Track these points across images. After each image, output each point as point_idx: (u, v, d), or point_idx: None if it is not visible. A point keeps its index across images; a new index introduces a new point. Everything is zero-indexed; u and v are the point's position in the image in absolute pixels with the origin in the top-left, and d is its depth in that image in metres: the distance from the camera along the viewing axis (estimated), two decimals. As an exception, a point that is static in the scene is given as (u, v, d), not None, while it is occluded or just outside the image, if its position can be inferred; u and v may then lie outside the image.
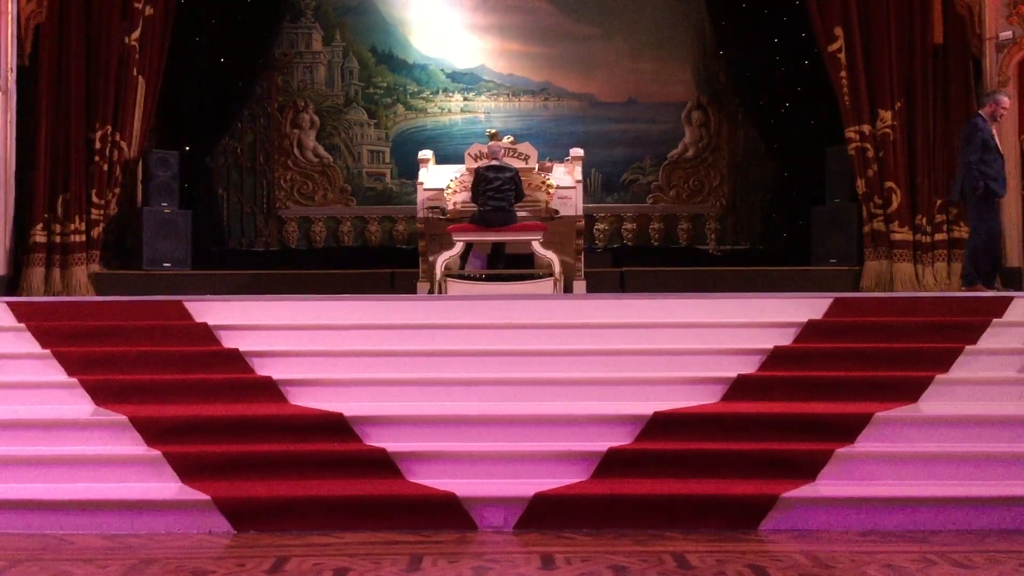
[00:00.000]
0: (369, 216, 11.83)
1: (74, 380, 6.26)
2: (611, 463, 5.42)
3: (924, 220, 9.77)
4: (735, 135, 11.84)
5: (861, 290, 9.40)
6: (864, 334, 6.78)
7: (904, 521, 5.01)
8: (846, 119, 9.95)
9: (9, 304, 7.22)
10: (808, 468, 5.35)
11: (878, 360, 6.43)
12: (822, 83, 10.27)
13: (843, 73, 9.89)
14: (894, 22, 9.89)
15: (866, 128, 9.85)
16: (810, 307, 7.06)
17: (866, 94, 9.88)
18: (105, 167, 10.00)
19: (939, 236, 9.75)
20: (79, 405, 6.09)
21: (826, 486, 5.26)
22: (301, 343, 6.76)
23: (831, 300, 7.17)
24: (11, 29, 9.54)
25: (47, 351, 6.57)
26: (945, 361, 6.36)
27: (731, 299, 7.34)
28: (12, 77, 9.59)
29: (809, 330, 6.81)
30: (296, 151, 11.90)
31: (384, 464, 5.44)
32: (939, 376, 6.17)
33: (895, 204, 9.80)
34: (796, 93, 11.06)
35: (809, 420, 5.71)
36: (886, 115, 9.82)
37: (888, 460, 5.45)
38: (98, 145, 9.95)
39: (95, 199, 9.94)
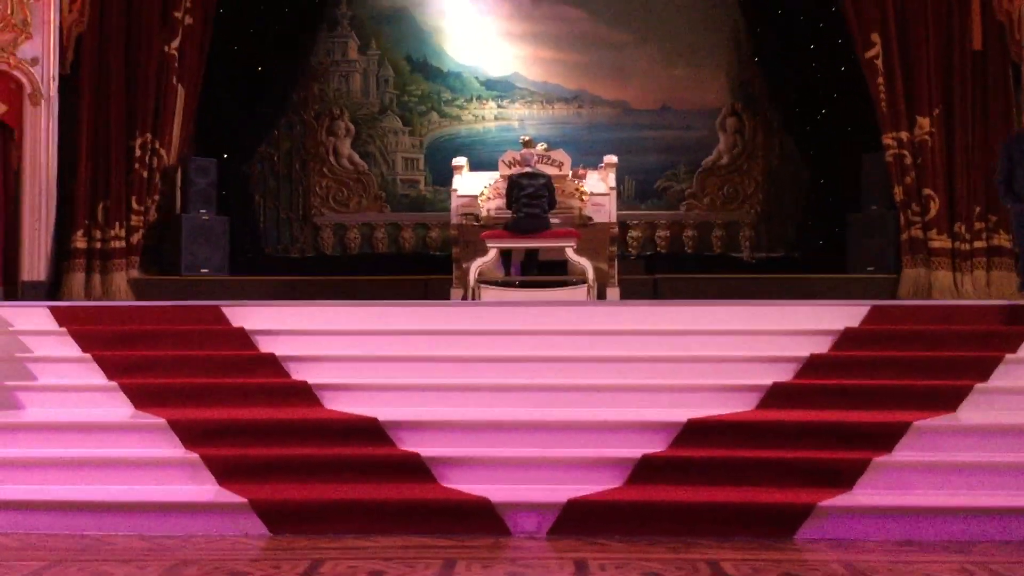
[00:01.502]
0: (403, 223, 11.89)
1: (114, 384, 6.35)
2: (645, 470, 5.40)
3: (963, 228, 9.66)
4: (770, 142, 11.77)
5: (898, 298, 9.31)
6: (902, 342, 6.72)
7: (943, 531, 4.95)
8: (883, 125, 9.86)
9: (51, 309, 7.34)
10: (845, 477, 5.30)
11: (916, 368, 6.37)
12: (859, 89, 10.19)
13: (880, 79, 9.81)
14: (932, 28, 9.79)
15: (904, 135, 9.76)
16: (847, 315, 7.00)
17: (904, 100, 9.79)
18: (145, 174, 10.14)
19: (978, 244, 9.63)
20: (118, 408, 6.18)
21: (864, 495, 5.21)
22: (336, 348, 6.81)
23: (868, 308, 7.10)
24: (53, 38, 9.72)
25: (87, 355, 6.67)
26: (984, 370, 6.28)
27: (766, 306, 7.30)
28: (54, 86, 9.77)
29: (846, 338, 6.75)
30: (331, 158, 12.00)
31: (418, 469, 5.46)
32: (978, 385, 6.09)
33: (933, 211, 9.69)
34: (832, 100, 10.98)
35: (846, 428, 5.66)
36: (924, 122, 9.72)
37: (927, 469, 5.38)
38: (138, 152, 10.10)
39: (135, 206, 10.08)
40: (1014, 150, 7.31)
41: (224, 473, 5.42)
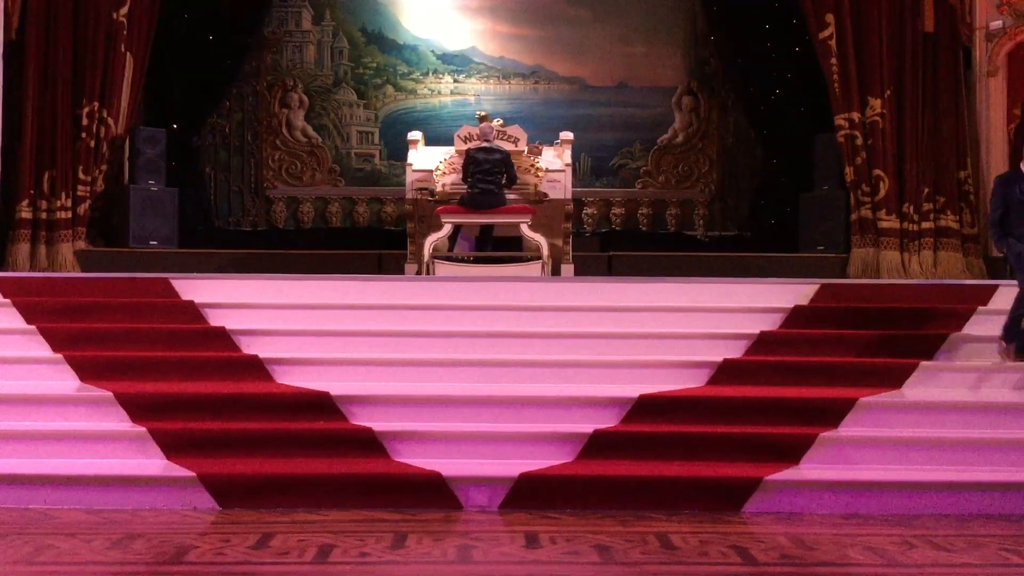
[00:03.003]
0: (357, 197, 11.77)
1: (59, 356, 6.24)
2: (596, 445, 5.45)
3: (911, 208, 9.79)
4: (725, 121, 11.83)
5: (848, 277, 9.44)
6: (850, 320, 6.83)
7: (886, 505, 5.06)
8: (836, 106, 9.94)
9: (-6, 279, 7.18)
10: (792, 452, 5.39)
11: (863, 346, 6.48)
12: (812, 70, 10.26)
13: (833, 60, 9.89)
14: (885, 10, 9.87)
15: (855, 116, 9.85)
16: (796, 293, 7.10)
17: (856, 81, 9.87)
18: (92, 144, 9.92)
19: (926, 224, 9.77)
20: (64, 381, 6.08)
21: (809, 469, 5.30)
22: (288, 322, 6.76)
23: (818, 286, 7.21)
24: (-2, 2, 9.44)
25: (32, 327, 6.56)
26: (930, 348, 6.41)
27: (718, 284, 7.37)
28: (-1, 51, 9.50)
29: (795, 316, 6.85)
30: (284, 131, 11.83)
31: (370, 443, 5.45)
32: (923, 363, 6.22)
33: (883, 192, 9.81)
34: (786, 80, 11.04)
35: (794, 404, 5.75)
36: (876, 103, 9.82)
37: (871, 445, 5.50)
38: (85, 121, 9.86)
39: (82, 176, 9.85)
40: (1008, 192, 6.55)
41: (172, 447, 5.37)
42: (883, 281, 8.94)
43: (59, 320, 6.68)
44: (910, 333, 6.62)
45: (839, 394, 5.82)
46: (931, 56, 9.88)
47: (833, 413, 5.65)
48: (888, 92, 9.83)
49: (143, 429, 5.45)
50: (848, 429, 5.60)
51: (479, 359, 6.36)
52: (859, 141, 9.84)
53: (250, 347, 6.44)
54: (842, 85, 9.88)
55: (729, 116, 11.78)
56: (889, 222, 9.77)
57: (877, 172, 9.81)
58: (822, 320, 6.83)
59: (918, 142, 9.86)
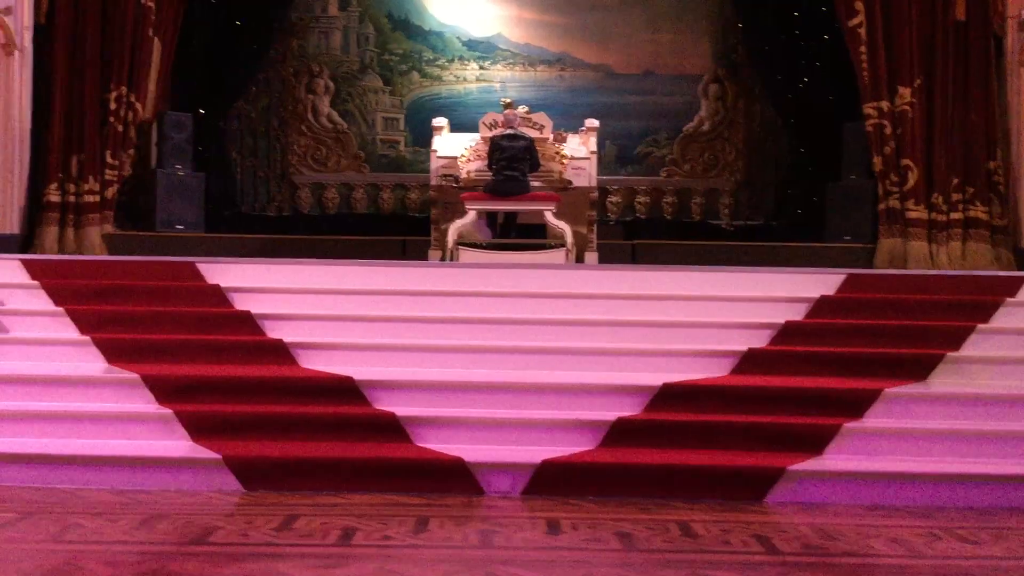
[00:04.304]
0: (382, 183, 11.81)
1: (87, 338, 6.31)
2: (619, 432, 5.44)
3: (940, 199, 9.69)
4: (752, 109, 11.75)
5: (874, 267, 9.36)
6: (876, 311, 6.78)
7: (911, 496, 5.02)
8: (864, 95, 9.85)
9: (23, 262, 7.27)
10: (816, 442, 5.36)
11: (889, 337, 6.43)
12: (841, 58, 10.16)
13: (863, 48, 9.78)
14: (916, -3, 9.76)
15: (884, 104, 9.75)
16: (823, 283, 7.05)
17: (885, 70, 9.77)
18: (120, 128, 9.99)
19: (955, 215, 9.67)
20: (92, 363, 6.15)
21: (833, 460, 5.27)
22: (312, 307, 6.79)
23: (844, 276, 7.15)
24: (28, -13, 9.51)
25: (60, 309, 6.62)
26: (956, 339, 6.35)
27: (743, 273, 7.33)
28: (28, 36, 9.57)
29: (821, 306, 6.80)
30: (310, 117, 11.87)
31: (393, 428, 5.47)
32: (950, 354, 6.17)
33: (911, 182, 9.71)
34: (814, 68, 10.95)
35: (818, 395, 5.72)
36: (905, 92, 9.71)
37: (896, 436, 5.46)
38: (113, 106, 9.93)
39: (109, 160, 9.93)
40: None
41: (198, 429, 5.41)
42: (910, 272, 8.85)
43: (87, 303, 6.74)
44: (937, 324, 6.56)
45: (864, 385, 5.78)
46: (962, 45, 9.75)
47: (858, 404, 5.61)
48: (918, 81, 9.72)
49: (169, 411, 5.50)
50: (873, 420, 5.56)
51: (502, 346, 6.37)
52: (888, 130, 9.74)
53: (275, 331, 6.47)
54: (871, 73, 9.78)
55: (756, 104, 11.70)
56: (917, 212, 9.67)
57: (906, 161, 9.71)
58: (848, 310, 6.78)
59: (948, 132, 9.75)
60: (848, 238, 9.95)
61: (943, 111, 9.74)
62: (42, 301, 6.79)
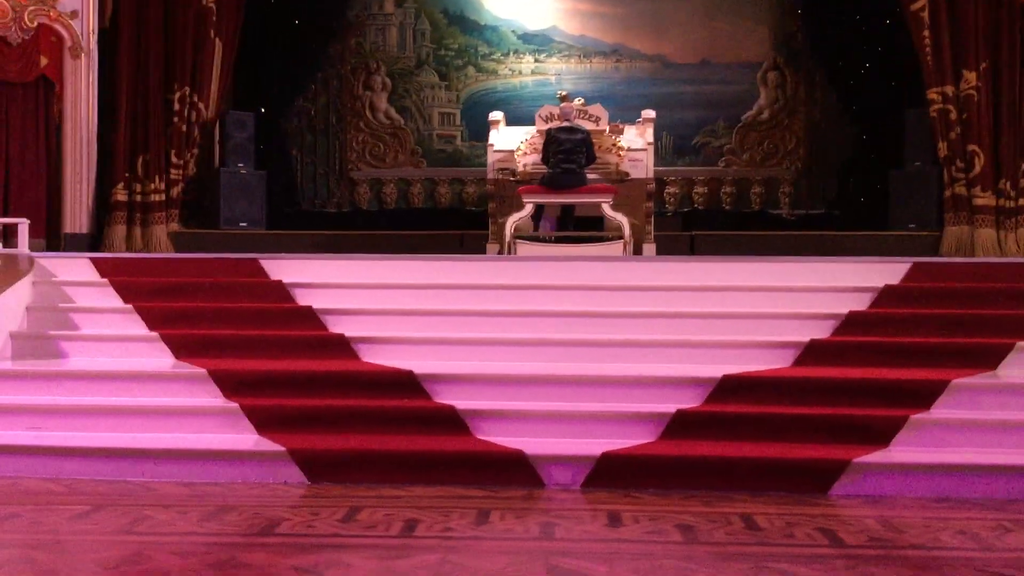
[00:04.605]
0: (439, 178, 11.88)
1: (155, 334, 6.46)
2: (679, 425, 5.41)
3: (1008, 185, 9.47)
4: (812, 97, 11.58)
5: (940, 256, 9.17)
6: (943, 300, 6.64)
7: (980, 489, 4.91)
8: (928, 80, 9.65)
9: (93, 260, 7.46)
10: (881, 434, 5.27)
11: (956, 326, 6.30)
12: (904, 43, 9.96)
13: (926, 32, 9.58)
14: (981, -21, 9.53)
15: (949, 89, 9.54)
16: (887, 272, 6.93)
17: (949, 54, 9.56)
18: (183, 128, 10.20)
19: (1023, 201, 9.44)
20: (160, 358, 6.29)
21: (900, 452, 5.18)
22: (372, 302, 6.86)
23: (909, 265, 7.02)
24: (93, -8, 9.75)
25: (129, 306, 6.79)
26: (1027, 328, 6.20)
27: (805, 263, 7.23)
28: (93, 39, 9.82)
29: (886, 295, 6.68)
30: (368, 113, 11.99)
31: (453, 421, 5.50)
32: (1020, 343, 6.02)
33: (978, 168, 9.50)
34: (876, 53, 10.76)
35: (883, 386, 5.62)
36: (970, 76, 9.50)
37: (965, 427, 5.34)
38: (177, 106, 10.15)
39: (174, 159, 10.15)
40: None
41: (263, 423, 5.51)
42: (977, 260, 8.66)
43: (154, 299, 6.90)
44: (1006, 313, 6.40)
45: (931, 375, 5.67)
46: (1029, 27, 9.50)
47: (925, 394, 5.51)
48: (983, 65, 9.50)
49: (235, 405, 5.60)
50: (941, 411, 5.45)
51: (561, 339, 6.37)
52: (953, 115, 9.53)
53: (336, 326, 6.56)
54: (935, 58, 9.57)
55: (816, 92, 11.54)
56: (984, 199, 9.46)
57: (972, 147, 9.50)
58: (914, 299, 6.65)
59: (1015, 116, 9.52)
60: (913, 226, 9.77)
61: (1010, 95, 9.51)
62: (111, 299, 6.97)
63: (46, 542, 3.99)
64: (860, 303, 6.61)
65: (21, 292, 6.95)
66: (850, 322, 6.39)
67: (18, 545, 3.95)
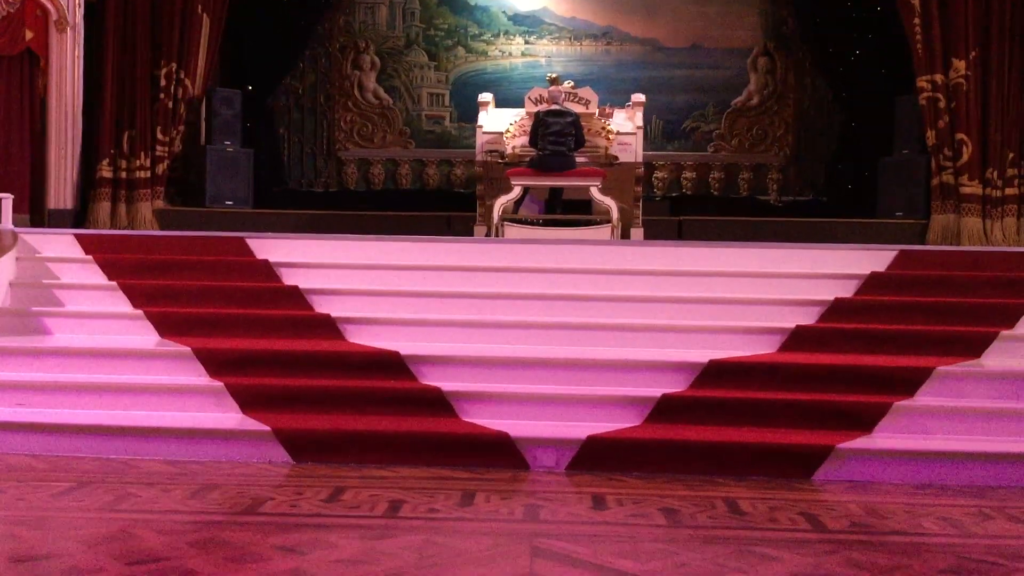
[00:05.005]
0: (427, 159, 11.84)
1: (139, 312, 6.42)
2: (665, 409, 5.42)
3: (995, 174, 9.50)
4: (802, 83, 11.58)
5: (927, 244, 9.21)
6: (929, 288, 6.67)
7: (962, 476, 4.95)
8: (918, 68, 9.65)
9: (77, 237, 7.40)
10: (865, 420, 5.30)
11: (942, 314, 6.33)
12: (895, 30, 9.97)
13: (916, 20, 9.57)
14: (972, -33, 9.53)
15: (939, 78, 9.55)
16: (874, 259, 6.95)
17: (940, 42, 9.56)
18: (170, 104, 10.12)
19: (1010, 191, 9.47)
20: (144, 336, 6.26)
21: (883, 438, 5.21)
22: (359, 282, 6.84)
23: (896, 252, 7.05)
24: (79, -35, 9.64)
25: (113, 283, 6.75)
26: (1011, 316, 6.24)
27: (792, 249, 7.24)
28: (80, 13, 9.73)
29: (872, 282, 6.71)
30: (356, 92, 11.92)
31: (439, 403, 5.50)
32: (1004, 332, 6.06)
33: (965, 157, 9.53)
34: (867, 40, 10.77)
35: (868, 372, 5.65)
36: (960, 65, 9.51)
37: (948, 415, 5.37)
38: (163, 83, 10.06)
39: (160, 136, 10.07)
40: None
41: (248, 402, 5.49)
42: (964, 248, 8.69)
43: (139, 277, 6.86)
44: (991, 302, 6.44)
45: (916, 362, 5.69)
46: (1019, 17, 9.52)
47: (909, 382, 5.53)
48: (973, 54, 9.51)
49: (220, 384, 5.58)
50: (924, 398, 5.48)
51: (548, 322, 6.37)
52: (942, 104, 9.55)
53: (322, 306, 6.54)
54: (925, 46, 9.58)
55: (806, 78, 11.54)
56: (971, 188, 9.50)
57: (960, 136, 9.53)
58: (900, 287, 6.68)
59: (1004, 106, 9.54)
60: (900, 214, 9.80)
61: (999, 84, 9.53)
62: (96, 275, 6.92)
63: (29, 518, 3.97)
64: (846, 290, 6.63)
65: (4, 267, 6.89)
66: (836, 309, 6.41)
67: (0, 521, 3.92)
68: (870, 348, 6.01)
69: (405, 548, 3.63)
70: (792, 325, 6.19)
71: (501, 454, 5.12)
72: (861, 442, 5.13)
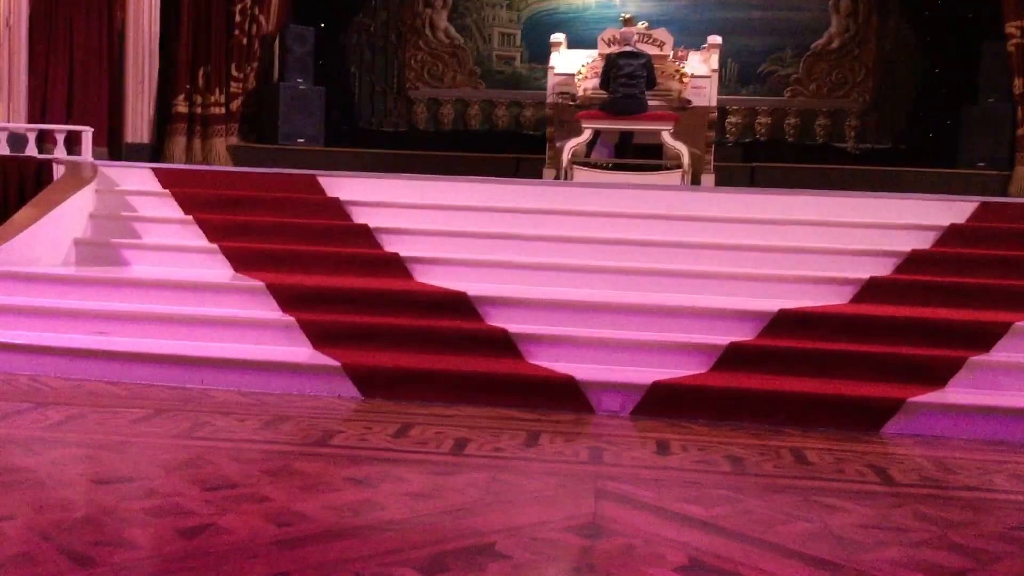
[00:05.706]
0: (497, 100, 11.76)
1: (215, 246, 6.56)
2: (732, 357, 5.38)
3: (1085, 125, 9.13)
4: (885, 26, 11.19)
5: (1009, 196, 8.92)
6: (1009, 241, 6.49)
7: (1037, 434, 4.85)
8: (1007, 12, 9.26)
9: (154, 171, 7.55)
10: (938, 374, 5.20)
11: (1022, 269, 6.15)
12: (984, -28, 9.58)
13: (1008, -39, 9.17)
14: (1071, -96, 9.06)
15: (1029, 23, 9.16)
16: (953, 210, 6.77)
17: (1032, -14, 9.15)
18: (244, 41, 10.19)
19: (1100, 143, 9.11)
20: (220, 269, 6.40)
21: (956, 393, 5.12)
22: (427, 222, 6.88)
23: (976, 204, 6.85)
24: (156, -99, 9.69)
25: (189, 217, 6.89)
26: (1096, 273, 6.04)
27: (868, 198, 7.09)
28: (157, -52, 9.79)
29: (950, 234, 6.54)
30: (427, 31, 11.85)
31: (505, 344, 5.54)
32: (1088, 289, 5.87)
33: (1054, 107, 9.16)
34: (954, -18, 10.35)
35: (943, 326, 5.53)
36: (1053, 9, 9.10)
37: (1024, 371, 5.24)
38: (238, 18, 10.12)
39: (234, 72, 10.17)
40: None
41: (319, 337, 5.59)
42: (1048, 202, 8.40)
43: (214, 211, 6.99)
44: (1075, 257, 6.24)
45: (993, 317, 5.56)
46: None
47: (985, 336, 5.41)
48: (1068, -3, 9.08)
49: (292, 319, 5.69)
50: (1001, 354, 5.36)
51: (615, 266, 6.35)
52: (1032, 51, 9.16)
53: (391, 245, 6.60)
54: (1016, -11, 9.17)
55: (890, 21, 11.14)
56: (1059, 139, 9.14)
57: (1049, 85, 9.15)
58: (980, 240, 6.50)
59: (1097, 53, 9.12)
60: (982, 164, 9.50)
61: (1095, 30, 9.10)
62: (172, 209, 7.07)
63: (110, 442, 4.12)
64: (923, 241, 6.48)
65: (85, 199, 7.08)
66: (912, 260, 6.28)
67: (83, 444, 4.08)
68: (946, 301, 5.88)
69: (471, 485, 3.69)
70: (866, 276, 6.08)
71: (566, 397, 5.15)
72: (933, 396, 5.05)
